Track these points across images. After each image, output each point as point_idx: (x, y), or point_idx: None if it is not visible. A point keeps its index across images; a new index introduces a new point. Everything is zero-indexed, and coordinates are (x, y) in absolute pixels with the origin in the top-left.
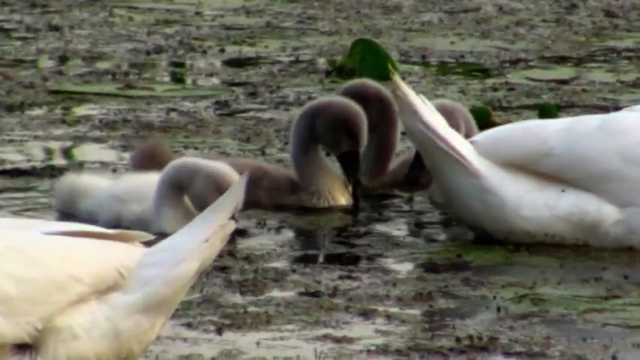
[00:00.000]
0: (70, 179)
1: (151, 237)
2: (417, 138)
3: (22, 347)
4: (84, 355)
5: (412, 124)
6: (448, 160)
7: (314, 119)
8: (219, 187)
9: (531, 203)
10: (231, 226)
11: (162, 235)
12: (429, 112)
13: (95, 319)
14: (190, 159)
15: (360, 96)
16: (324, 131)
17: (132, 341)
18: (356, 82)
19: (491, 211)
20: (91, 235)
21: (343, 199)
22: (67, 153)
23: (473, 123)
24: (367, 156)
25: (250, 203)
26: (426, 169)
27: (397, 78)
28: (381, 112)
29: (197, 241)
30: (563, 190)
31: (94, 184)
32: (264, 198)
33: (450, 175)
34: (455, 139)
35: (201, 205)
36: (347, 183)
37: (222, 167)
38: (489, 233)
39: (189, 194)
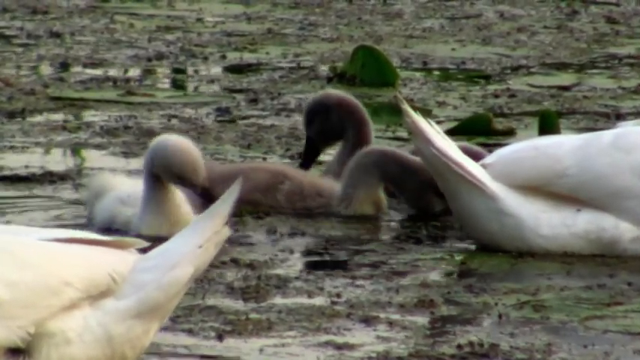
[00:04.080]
0: (96, 181)
1: (145, 244)
2: (431, 164)
3: (14, 352)
4: None
5: (426, 150)
6: (464, 184)
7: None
8: (171, 170)
9: (549, 222)
10: (226, 232)
11: (157, 242)
12: (440, 137)
13: (88, 324)
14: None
15: (322, 106)
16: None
17: (125, 347)
18: (319, 93)
19: (509, 231)
20: (86, 242)
21: (371, 209)
22: (68, 159)
23: None
24: (341, 159)
25: (268, 207)
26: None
27: (407, 106)
28: (346, 116)
29: (191, 246)
30: (578, 210)
31: (110, 187)
32: (284, 202)
33: (466, 198)
34: (468, 163)
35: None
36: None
37: (176, 146)
38: (506, 251)
39: (166, 176)
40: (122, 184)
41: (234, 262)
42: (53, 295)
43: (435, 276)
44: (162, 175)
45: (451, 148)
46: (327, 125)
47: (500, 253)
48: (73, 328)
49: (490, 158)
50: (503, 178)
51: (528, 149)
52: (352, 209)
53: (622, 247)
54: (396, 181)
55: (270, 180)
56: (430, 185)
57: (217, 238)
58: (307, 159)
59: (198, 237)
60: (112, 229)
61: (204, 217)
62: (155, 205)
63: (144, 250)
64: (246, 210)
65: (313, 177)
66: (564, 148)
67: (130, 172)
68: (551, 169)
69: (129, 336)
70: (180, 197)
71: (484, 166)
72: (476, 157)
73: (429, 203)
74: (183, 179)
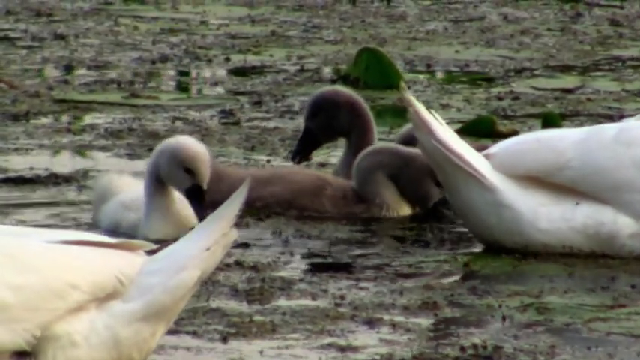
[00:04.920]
0: (102, 183)
1: (153, 246)
2: (431, 155)
3: (21, 355)
4: None
5: (426, 141)
6: (463, 177)
7: (400, 169)
8: (181, 163)
9: (547, 216)
10: (233, 235)
11: (164, 244)
12: (442, 128)
13: (95, 327)
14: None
15: (331, 102)
16: (410, 184)
17: (132, 349)
18: (328, 89)
19: (508, 225)
20: (93, 244)
21: (406, 209)
22: (72, 162)
23: None
24: (347, 161)
25: (313, 211)
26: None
27: (409, 96)
28: (354, 118)
29: (198, 249)
30: (577, 203)
31: (115, 190)
32: (330, 207)
33: (465, 191)
34: (469, 154)
35: (174, 185)
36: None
37: (183, 140)
38: (505, 247)
39: (162, 176)
40: (128, 186)
41: (239, 264)
42: (59, 297)
43: (438, 278)
44: (169, 172)
45: (453, 140)
46: (334, 122)
47: (504, 255)
48: (80, 330)
49: (493, 149)
50: (506, 169)
51: (531, 141)
52: (393, 212)
53: (620, 243)
54: (395, 173)
55: (316, 184)
56: (428, 174)
57: (225, 240)
58: (302, 150)
59: (205, 240)
60: (118, 233)
61: (211, 220)
62: (159, 210)
63: (151, 252)
64: (249, 212)
65: (351, 183)
66: (567, 141)
67: (135, 174)
68: (554, 161)
69: (136, 339)
70: (180, 201)
71: (487, 157)
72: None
73: (427, 193)
74: (193, 173)
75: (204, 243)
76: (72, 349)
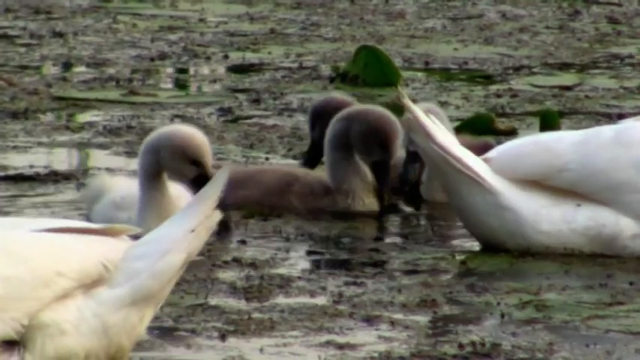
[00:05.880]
0: (94, 183)
1: (137, 230)
2: (431, 158)
3: (10, 344)
4: (72, 351)
5: (425, 145)
6: (463, 179)
7: (350, 124)
8: (186, 156)
9: (549, 218)
10: (217, 216)
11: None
12: (440, 132)
13: (83, 315)
14: (155, 132)
15: (330, 109)
16: (357, 138)
17: (121, 335)
18: (322, 98)
19: (509, 227)
20: (77, 231)
21: (376, 205)
22: (70, 159)
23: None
24: None
25: (283, 209)
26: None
27: (407, 100)
28: None
29: (183, 231)
30: (578, 205)
31: (108, 190)
32: (297, 203)
33: (465, 193)
34: (469, 157)
35: (178, 176)
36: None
37: (184, 132)
38: (506, 248)
39: (165, 169)
40: (119, 185)
41: (237, 261)
42: (45, 286)
43: (437, 275)
44: (170, 163)
45: (452, 143)
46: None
47: (502, 253)
48: (68, 319)
49: (491, 153)
50: (505, 173)
51: (529, 144)
52: (359, 202)
53: (621, 244)
54: (346, 134)
55: (283, 181)
56: (373, 132)
57: (209, 222)
58: (311, 161)
59: (189, 222)
60: None
61: (194, 202)
62: (155, 209)
63: (135, 237)
64: (254, 210)
65: (320, 176)
66: (565, 143)
67: (133, 172)
68: (552, 164)
69: (124, 324)
70: (176, 199)
71: (486, 161)
72: (482, 149)
73: (371, 152)
74: (198, 162)
75: (188, 225)
76: (61, 338)
